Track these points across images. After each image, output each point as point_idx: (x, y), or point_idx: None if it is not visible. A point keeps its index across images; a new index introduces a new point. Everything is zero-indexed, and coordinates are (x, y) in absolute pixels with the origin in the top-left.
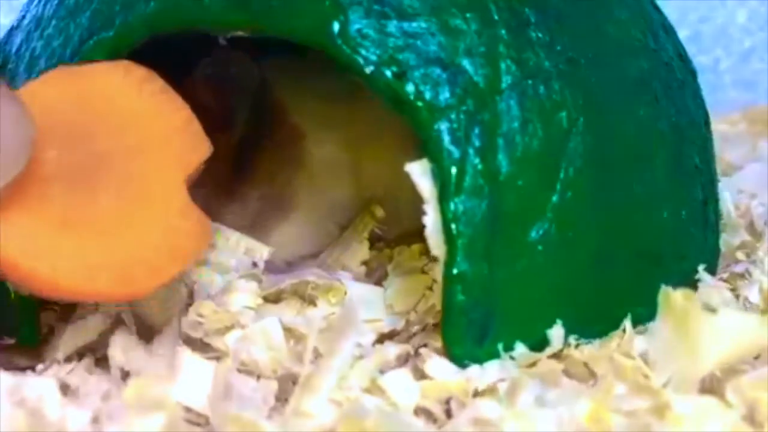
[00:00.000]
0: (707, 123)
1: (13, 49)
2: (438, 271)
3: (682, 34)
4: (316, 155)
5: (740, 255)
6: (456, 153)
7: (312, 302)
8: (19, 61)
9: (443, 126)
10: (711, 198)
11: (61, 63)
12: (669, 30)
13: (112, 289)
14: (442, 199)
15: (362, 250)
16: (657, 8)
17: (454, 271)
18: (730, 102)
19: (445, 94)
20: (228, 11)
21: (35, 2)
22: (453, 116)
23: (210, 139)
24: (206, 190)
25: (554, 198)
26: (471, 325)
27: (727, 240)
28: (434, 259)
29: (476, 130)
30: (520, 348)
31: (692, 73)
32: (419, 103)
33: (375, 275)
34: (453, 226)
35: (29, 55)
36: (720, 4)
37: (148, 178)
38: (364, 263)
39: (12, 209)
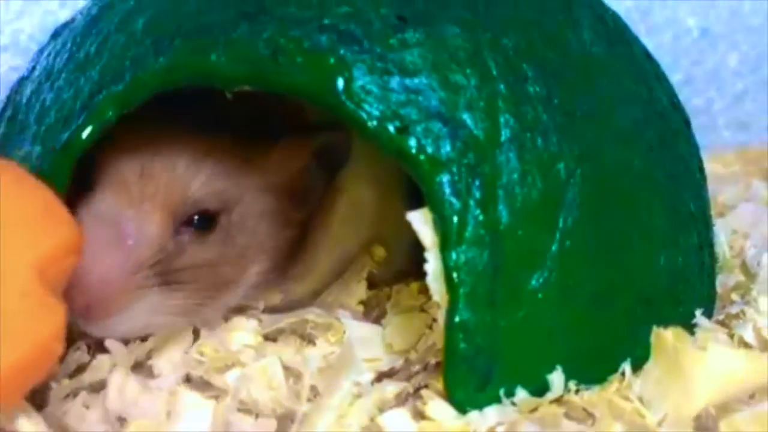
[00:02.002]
0: (701, 169)
1: (24, 100)
2: (437, 311)
3: (676, 77)
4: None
5: (735, 296)
6: (457, 204)
7: (311, 341)
8: (29, 111)
9: (445, 178)
10: (706, 242)
11: (70, 115)
12: (662, 79)
13: None
14: (444, 248)
15: (360, 290)
16: (650, 57)
17: (456, 319)
18: (724, 143)
19: (446, 148)
20: (235, 67)
21: (45, 54)
22: (454, 169)
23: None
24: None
25: (554, 247)
26: (473, 372)
27: (722, 281)
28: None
29: (477, 182)
30: (521, 393)
31: (686, 122)
32: (421, 157)
33: (373, 314)
34: (455, 274)
35: (39, 107)
36: (710, 48)
37: None
38: (362, 303)
39: None
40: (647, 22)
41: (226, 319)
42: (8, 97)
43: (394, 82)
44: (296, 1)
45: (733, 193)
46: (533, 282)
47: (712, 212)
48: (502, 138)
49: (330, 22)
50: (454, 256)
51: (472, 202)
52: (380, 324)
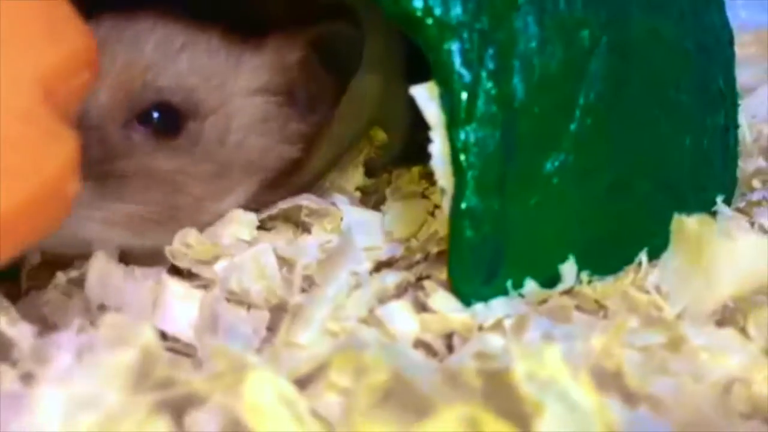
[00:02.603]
0: (731, 42)
1: None
2: (441, 196)
3: None
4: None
5: (756, 183)
6: (467, 76)
7: (306, 229)
8: None
9: (454, 46)
10: (732, 123)
11: None
12: None
13: None
14: (452, 126)
15: (358, 175)
16: None
17: (463, 205)
18: (741, 23)
19: (456, 10)
20: None
21: None
22: (465, 35)
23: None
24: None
25: (572, 126)
26: (479, 263)
27: (742, 166)
28: (436, 183)
29: (490, 51)
30: (530, 285)
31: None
32: (428, 20)
33: (372, 200)
34: (462, 156)
35: None
36: None
37: None
38: (360, 189)
39: None
40: None
41: None
42: None
43: None
44: None
45: (752, 75)
46: (548, 165)
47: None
48: (521, 1)
49: None
50: (462, 135)
51: (484, 74)
52: (379, 210)
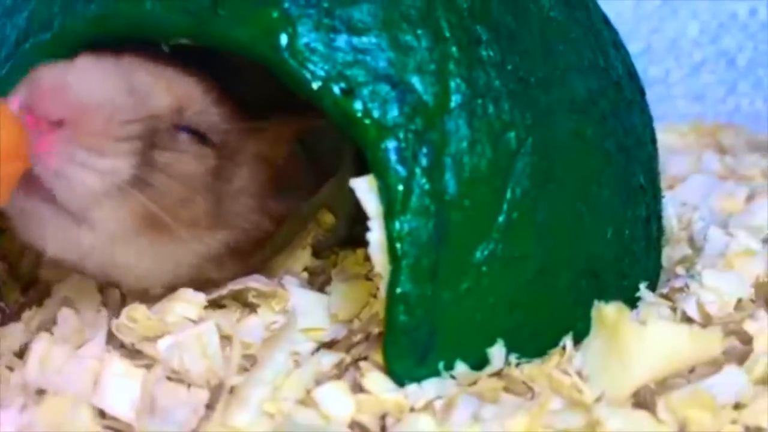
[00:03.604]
0: (653, 141)
1: None
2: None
3: (635, 46)
4: None
5: (680, 269)
6: (403, 172)
7: (254, 310)
8: None
9: (391, 144)
10: (654, 215)
11: None
12: (619, 47)
13: None
14: (388, 217)
15: (305, 256)
16: (608, 24)
17: (398, 290)
18: (680, 114)
19: (393, 113)
20: (170, 17)
21: None
22: (401, 135)
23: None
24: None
25: (500, 218)
26: (413, 345)
27: (669, 254)
28: None
29: (424, 150)
30: (461, 367)
31: (641, 91)
32: (367, 121)
33: (319, 280)
34: (398, 245)
35: None
36: (672, 16)
37: None
38: (307, 269)
39: None
40: None
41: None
42: None
43: (341, 40)
44: None
45: (685, 165)
46: (478, 254)
47: (663, 184)
48: (452, 104)
49: None
50: (397, 226)
51: (418, 170)
52: (325, 292)
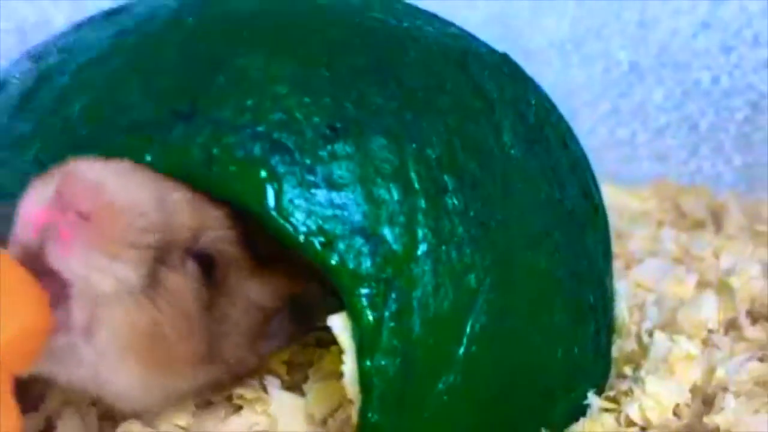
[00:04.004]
0: (606, 255)
1: None
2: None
3: (603, 107)
4: None
5: (627, 369)
6: (373, 316)
7: (238, 409)
8: None
9: (363, 291)
10: (603, 326)
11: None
12: (576, 167)
13: None
14: (360, 355)
15: (284, 353)
16: (566, 145)
17: (369, 416)
18: (644, 173)
19: (366, 264)
20: (169, 171)
21: None
22: (373, 283)
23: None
24: None
25: (461, 351)
26: None
27: (620, 345)
28: None
29: (393, 295)
30: None
31: (595, 208)
32: (343, 272)
33: (297, 376)
34: (368, 379)
35: None
36: (638, 81)
37: None
38: (286, 363)
39: None
40: (580, 53)
41: None
42: None
43: (322, 195)
44: (232, 105)
45: (642, 244)
46: (440, 385)
47: (620, 262)
48: (419, 252)
49: (264, 130)
50: (368, 363)
51: (387, 314)
52: (302, 389)
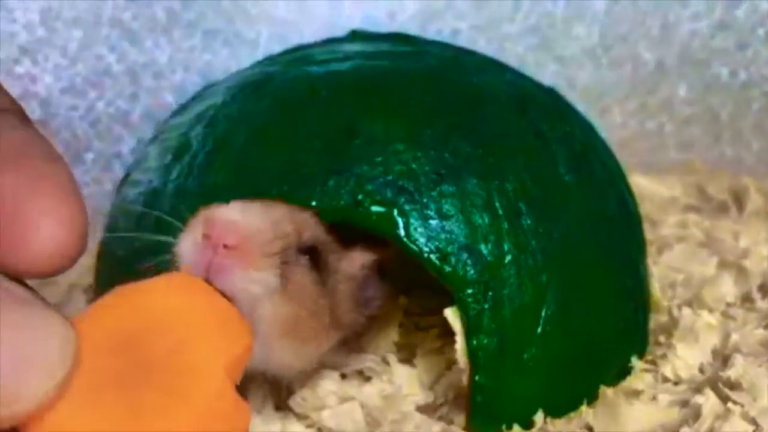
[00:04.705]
0: (639, 247)
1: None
2: (455, 352)
3: (633, 103)
4: None
5: (662, 338)
6: (476, 308)
7: (368, 379)
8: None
9: (469, 291)
10: (640, 304)
11: None
12: (613, 182)
13: None
14: (467, 336)
15: (394, 334)
16: (605, 165)
17: (476, 379)
18: (671, 160)
19: (470, 272)
20: (329, 211)
21: (158, 158)
22: (475, 285)
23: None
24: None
25: (539, 330)
26: (487, 416)
27: (656, 318)
28: (452, 342)
29: (489, 294)
30: (516, 427)
31: (629, 213)
32: (454, 278)
33: (406, 353)
34: (474, 353)
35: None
36: (663, 79)
37: (189, 369)
38: (396, 344)
39: (69, 411)
40: (609, 57)
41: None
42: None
43: (436, 224)
44: (366, 161)
45: (671, 231)
46: (525, 356)
47: (653, 248)
48: (506, 261)
49: (392, 179)
50: (474, 342)
51: (486, 306)
52: (412, 363)
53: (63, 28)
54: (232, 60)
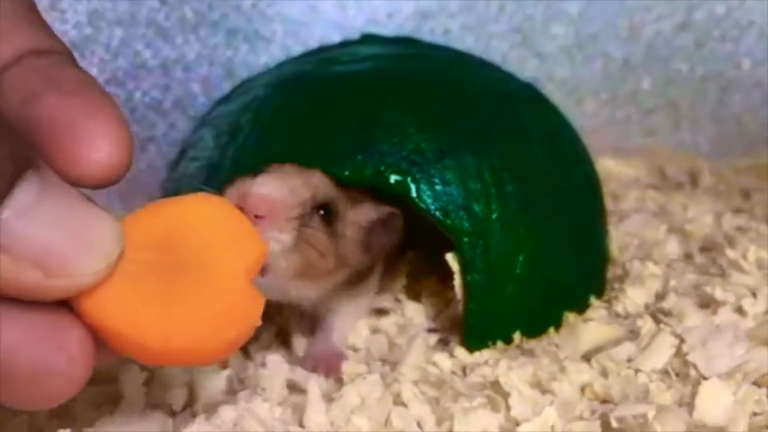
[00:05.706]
0: (600, 213)
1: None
2: (456, 299)
3: (604, 95)
4: None
5: (616, 285)
6: (471, 253)
7: (386, 313)
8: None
9: (465, 239)
10: (599, 257)
11: None
12: (580, 160)
13: (188, 346)
14: (463, 272)
15: (402, 279)
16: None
17: (470, 306)
18: (636, 145)
19: (466, 225)
20: (359, 180)
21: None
22: (469, 236)
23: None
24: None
25: (517, 271)
26: (477, 335)
27: (612, 271)
28: (448, 286)
29: (481, 242)
30: (499, 343)
31: (592, 187)
32: (455, 230)
33: (412, 293)
34: (468, 286)
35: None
36: (630, 74)
37: (215, 266)
38: (404, 286)
39: (116, 291)
40: (584, 54)
41: None
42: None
43: (440, 189)
44: (386, 142)
45: (631, 204)
46: (507, 291)
47: (615, 218)
48: (493, 217)
49: (406, 155)
50: (469, 278)
51: (478, 252)
52: (419, 301)
53: (106, 27)
54: (251, 55)
